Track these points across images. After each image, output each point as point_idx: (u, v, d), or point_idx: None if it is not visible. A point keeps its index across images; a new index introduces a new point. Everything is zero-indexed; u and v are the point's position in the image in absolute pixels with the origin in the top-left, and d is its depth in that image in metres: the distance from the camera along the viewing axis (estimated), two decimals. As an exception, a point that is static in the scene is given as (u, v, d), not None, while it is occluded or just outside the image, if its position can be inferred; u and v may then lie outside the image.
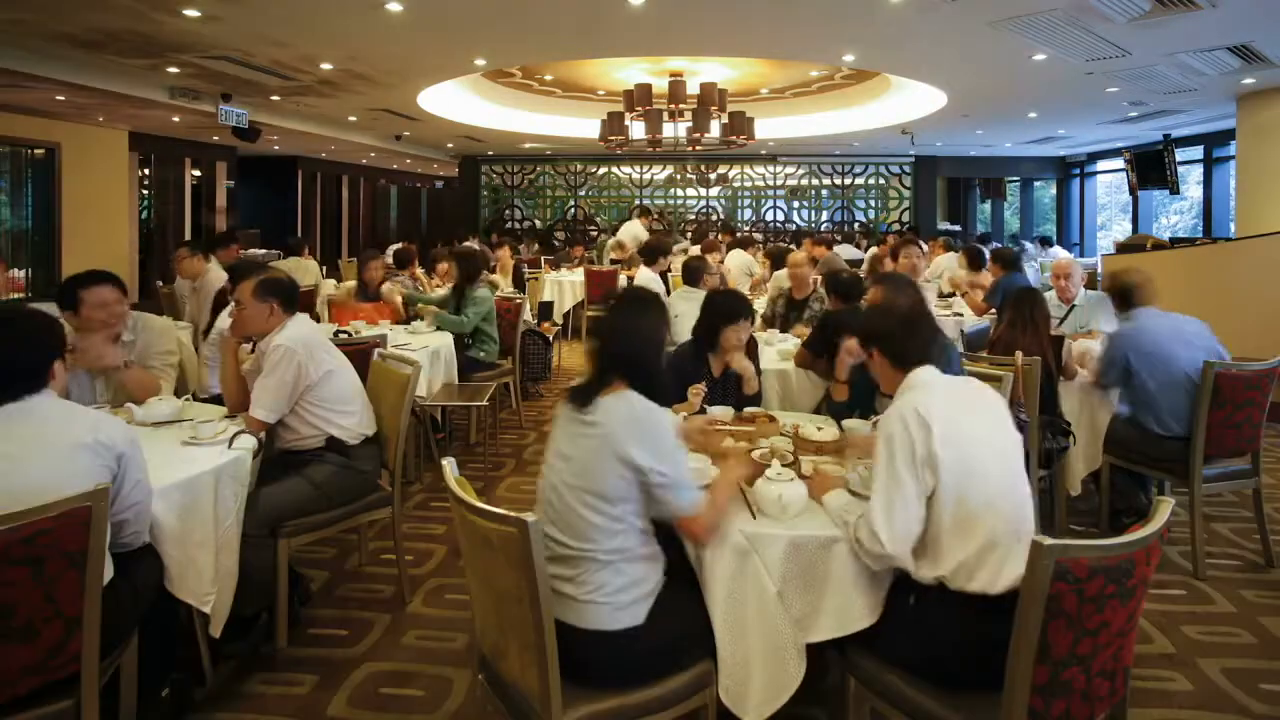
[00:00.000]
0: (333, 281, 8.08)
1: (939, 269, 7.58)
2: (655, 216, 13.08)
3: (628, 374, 1.92)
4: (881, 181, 15.59)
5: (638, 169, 16.00)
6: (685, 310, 3.19)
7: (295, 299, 2.89)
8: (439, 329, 5.04)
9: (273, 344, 2.74)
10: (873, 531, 1.82)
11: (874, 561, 1.87)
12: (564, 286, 9.19)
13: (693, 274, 5.51)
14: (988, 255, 6.35)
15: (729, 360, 3.14)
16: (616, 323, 2.02)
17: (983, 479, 1.81)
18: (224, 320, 3.84)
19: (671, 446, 1.88)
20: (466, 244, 9.09)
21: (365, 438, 2.94)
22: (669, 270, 7.63)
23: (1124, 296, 3.63)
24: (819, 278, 5.22)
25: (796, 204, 16.01)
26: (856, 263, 9.59)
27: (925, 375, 2.00)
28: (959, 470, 1.80)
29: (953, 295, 6.58)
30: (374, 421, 3.02)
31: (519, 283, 7.96)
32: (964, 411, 1.89)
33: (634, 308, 2.06)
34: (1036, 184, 16.57)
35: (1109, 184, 15.39)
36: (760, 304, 6.56)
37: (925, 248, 7.48)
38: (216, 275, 5.18)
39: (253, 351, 2.91)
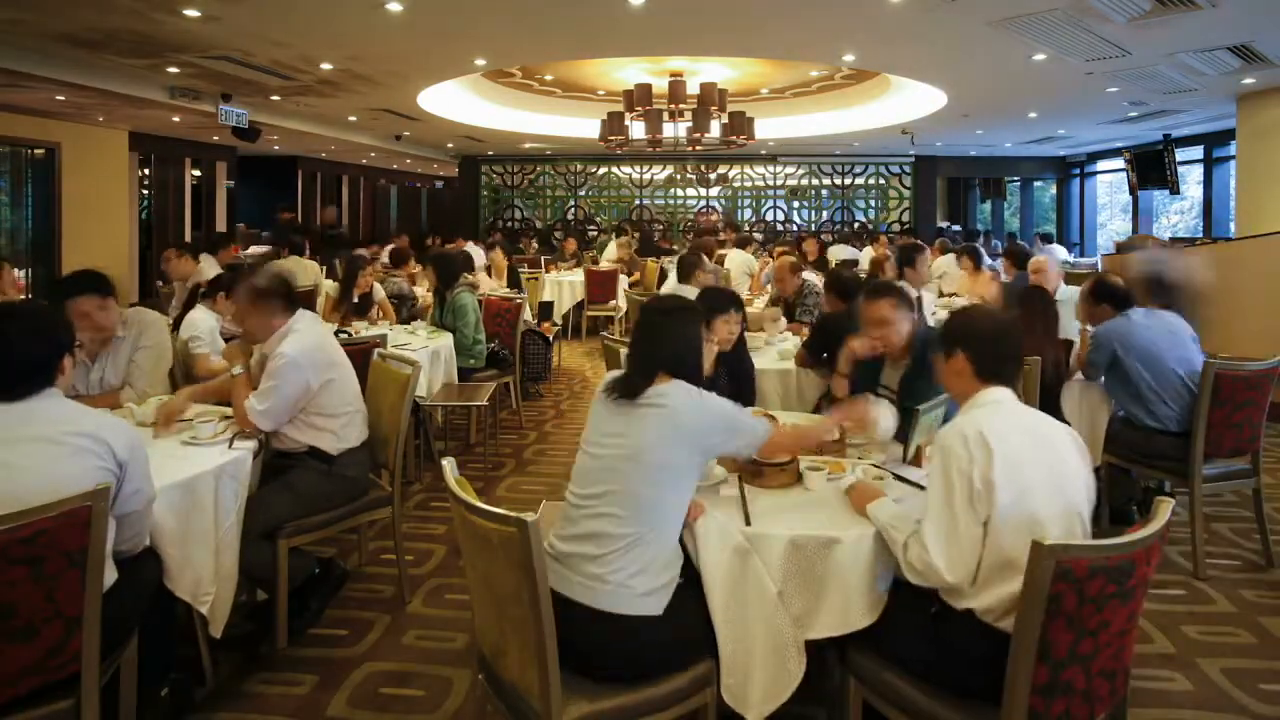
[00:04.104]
0: (330, 281, 8.08)
1: (939, 269, 7.59)
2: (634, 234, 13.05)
3: (672, 373, 1.99)
4: (881, 181, 15.58)
5: (638, 169, 15.99)
6: None
7: (294, 295, 2.85)
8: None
9: (277, 351, 2.70)
10: (927, 557, 1.75)
11: (924, 582, 1.80)
12: (564, 286, 9.19)
13: (686, 271, 5.52)
14: (984, 254, 6.37)
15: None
16: (662, 329, 2.07)
17: (1036, 521, 1.70)
18: (202, 321, 3.84)
19: (733, 415, 2.04)
20: (460, 246, 9.09)
21: (352, 447, 2.89)
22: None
23: (1118, 299, 3.65)
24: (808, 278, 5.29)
25: (796, 204, 16.00)
26: (852, 263, 9.60)
27: (1001, 395, 1.87)
28: (1011, 507, 1.70)
29: (954, 295, 6.59)
30: (366, 430, 2.98)
31: (515, 283, 7.94)
32: (1031, 446, 1.77)
33: (680, 314, 2.12)
34: (1036, 184, 16.56)
35: (1109, 184, 15.38)
36: (760, 304, 6.58)
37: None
38: (209, 274, 5.15)
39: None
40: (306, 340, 2.75)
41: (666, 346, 2.03)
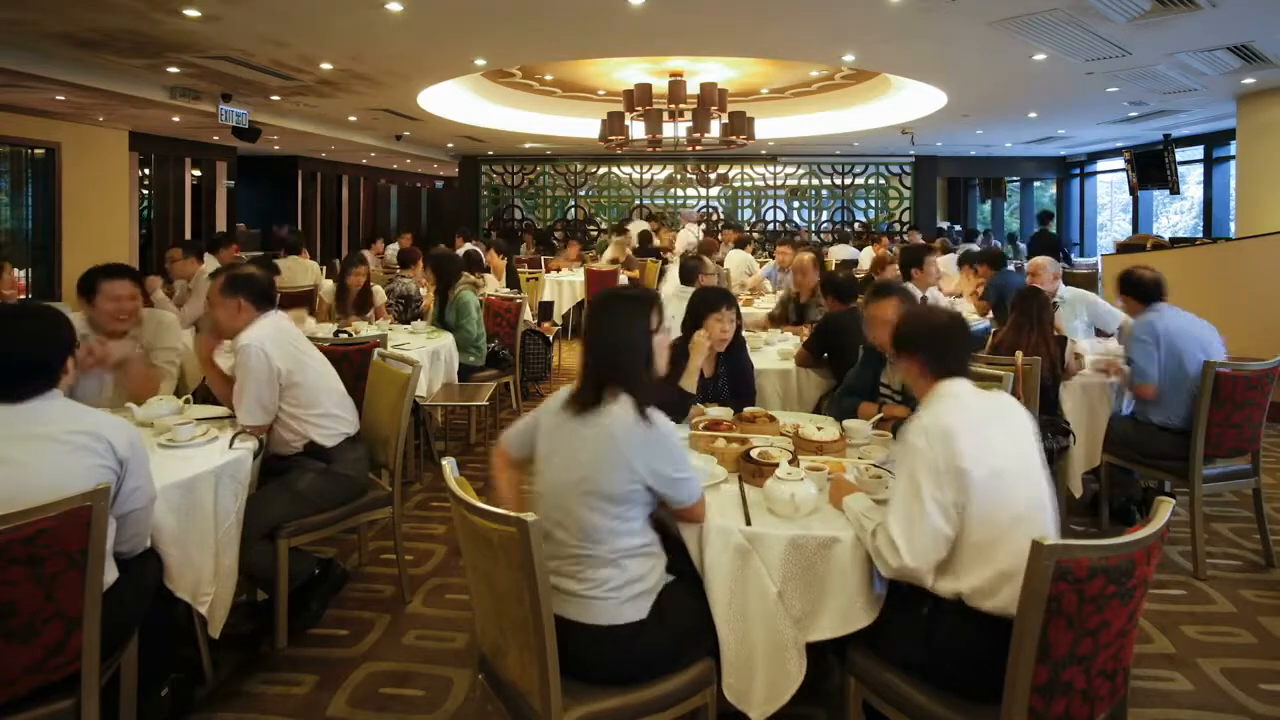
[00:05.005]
0: (330, 282, 8.07)
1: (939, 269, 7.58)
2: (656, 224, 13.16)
3: (615, 380, 1.90)
4: (881, 181, 15.58)
5: (638, 169, 15.99)
6: (679, 310, 3.20)
7: (269, 295, 2.83)
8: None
9: (238, 345, 2.69)
10: (891, 542, 1.80)
11: (892, 573, 1.84)
12: (564, 286, 9.19)
13: (689, 273, 5.51)
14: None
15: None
16: (602, 331, 1.99)
17: (1009, 500, 1.78)
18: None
19: (678, 450, 1.90)
20: (460, 246, 9.11)
21: (346, 437, 2.89)
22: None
23: (1147, 291, 3.60)
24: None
25: (796, 204, 16.00)
26: (852, 263, 9.61)
27: (956, 387, 1.95)
28: (985, 489, 1.76)
29: (958, 295, 6.59)
30: (356, 420, 2.97)
31: (514, 283, 7.93)
32: (993, 430, 1.85)
33: (618, 312, 2.00)
34: (1036, 184, 16.56)
35: (1109, 184, 15.38)
36: (762, 303, 6.58)
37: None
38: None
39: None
40: (260, 330, 2.73)
41: (606, 347, 1.94)
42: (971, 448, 1.77)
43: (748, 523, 2.00)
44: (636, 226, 11.72)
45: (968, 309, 5.93)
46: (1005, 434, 1.88)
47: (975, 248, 9.19)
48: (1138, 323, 3.58)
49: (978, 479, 1.76)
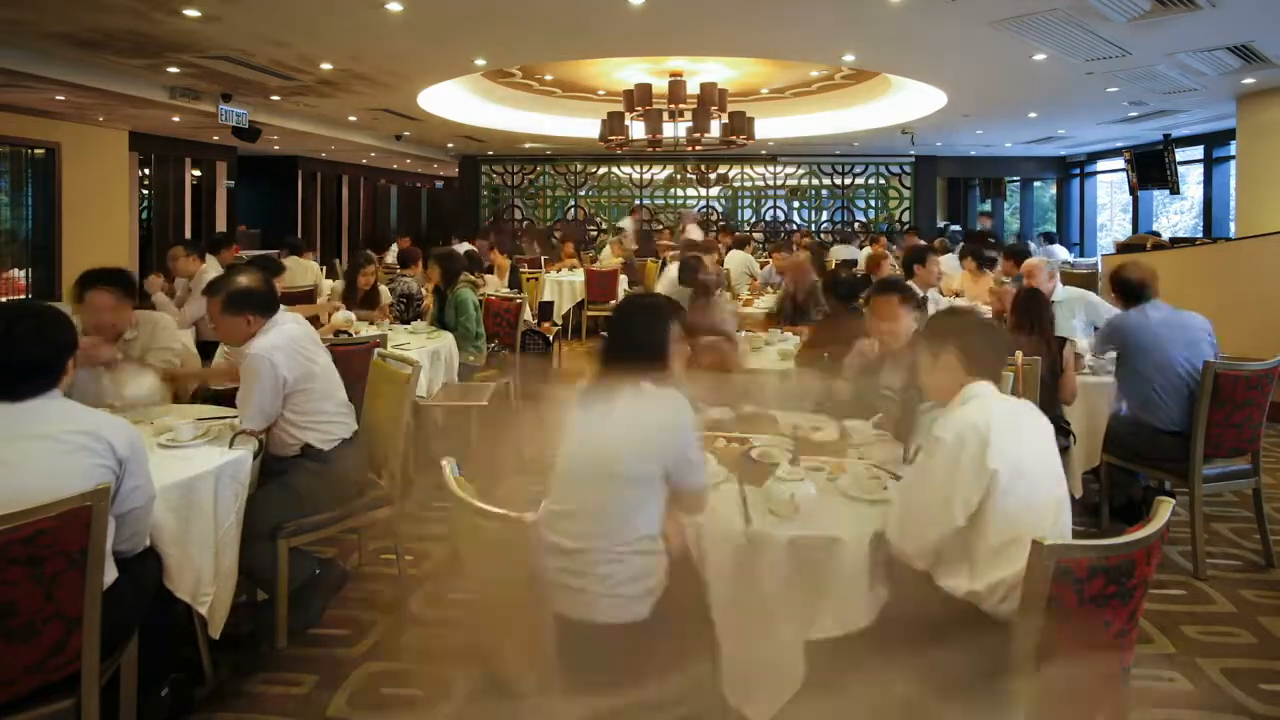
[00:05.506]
0: (329, 282, 8.06)
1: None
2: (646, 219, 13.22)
3: (633, 373, 1.95)
4: (881, 181, 15.58)
5: (638, 169, 15.99)
6: None
7: (272, 301, 2.80)
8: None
9: (246, 352, 2.70)
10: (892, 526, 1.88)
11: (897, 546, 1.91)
12: (564, 286, 9.19)
13: (687, 272, 5.49)
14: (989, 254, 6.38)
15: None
16: (624, 327, 2.06)
17: (1034, 502, 1.78)
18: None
19: (695, 436, 1.96)
20: (468, 245, 9.12)
21: (342, 440, 2.90)
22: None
23: (1132, 291, 3.63)
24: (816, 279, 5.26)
25: (796, 204, 16.00)
26: (852, 263, 9.61)
27: (985, 389, 1.94)
28: (1010, 490, 1.76)
29: (958, 294, 6.59)
30: (353, 423, 2.99)
31: (515, 283, 7.93)
32: (1022, 432, 1.86)
33: (643, 313, 2.07)
34: (1036, 184, 16.56)
35: (1109, 184, 15.38)
36: (762, 303, 6.58)
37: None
38: (212, 274, 5.17)
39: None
40: (268, 339, 2.73)
41: (626, 342, 2.00)
42: (1004, 448, 1.77)
43: (748, 523, 2.00)
44: (627, 224, 11.87)
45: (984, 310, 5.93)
46: (1032, 436, 1.88)
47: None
48: (1112, 317, 3.70)
49: (1005, 480, 1.75)
